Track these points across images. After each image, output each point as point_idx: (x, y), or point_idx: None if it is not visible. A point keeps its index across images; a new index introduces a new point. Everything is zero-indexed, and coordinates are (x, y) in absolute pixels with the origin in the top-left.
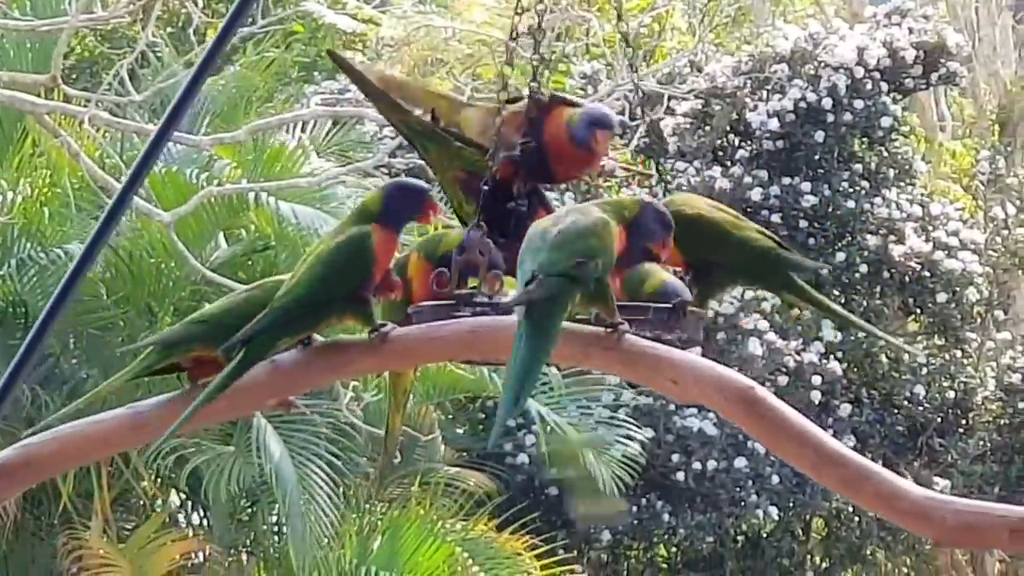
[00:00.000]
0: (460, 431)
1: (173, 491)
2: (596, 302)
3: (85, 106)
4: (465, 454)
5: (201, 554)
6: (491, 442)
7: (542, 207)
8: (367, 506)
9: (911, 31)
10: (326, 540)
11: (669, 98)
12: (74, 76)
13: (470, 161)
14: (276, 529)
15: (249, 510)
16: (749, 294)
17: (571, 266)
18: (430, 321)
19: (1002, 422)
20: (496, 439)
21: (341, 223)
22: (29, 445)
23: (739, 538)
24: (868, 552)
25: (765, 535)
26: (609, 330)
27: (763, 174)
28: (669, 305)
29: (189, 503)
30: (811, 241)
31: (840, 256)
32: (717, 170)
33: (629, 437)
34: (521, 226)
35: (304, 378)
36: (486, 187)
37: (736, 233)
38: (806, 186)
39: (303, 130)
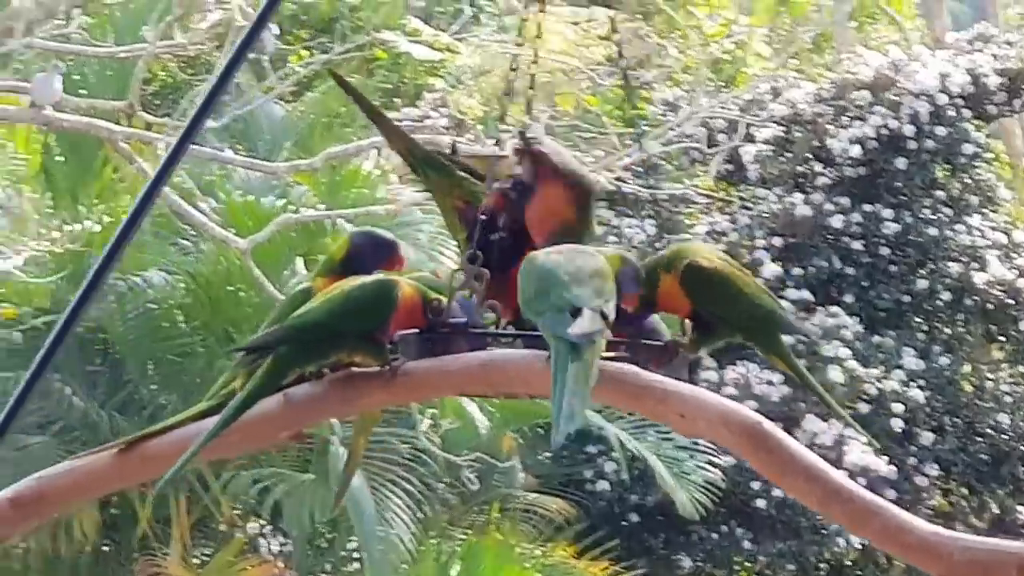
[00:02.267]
0: (540, 458)
1: (252, 517)
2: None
3: (162, 133)
4: (546, 479)
5: None
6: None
7: (528, 245)
8: (446, 532)
9: (995, 57)
10: (404, 566)
11: (748, 125)
12: (157, 102)
13: (470, 191)
14: (355, 556)
15: (329, 536)
16: (831, 321)
17: (603, 305)
18: (415, 353)
19: None
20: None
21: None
22: (43, 478)
23: (821, 566)
24: None
25: (849, 563)
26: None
27: (845, 201)
28: (661, 343)
29: (268, 529)
30: (892, 268)
31: (922, 284)
32: (798, 197)
33: (711, 463)
34: (505, 259)
35: (317, 410)
36: (483, 217)
37: (747, 293)
38: (888, 213)
39: (380, 155)
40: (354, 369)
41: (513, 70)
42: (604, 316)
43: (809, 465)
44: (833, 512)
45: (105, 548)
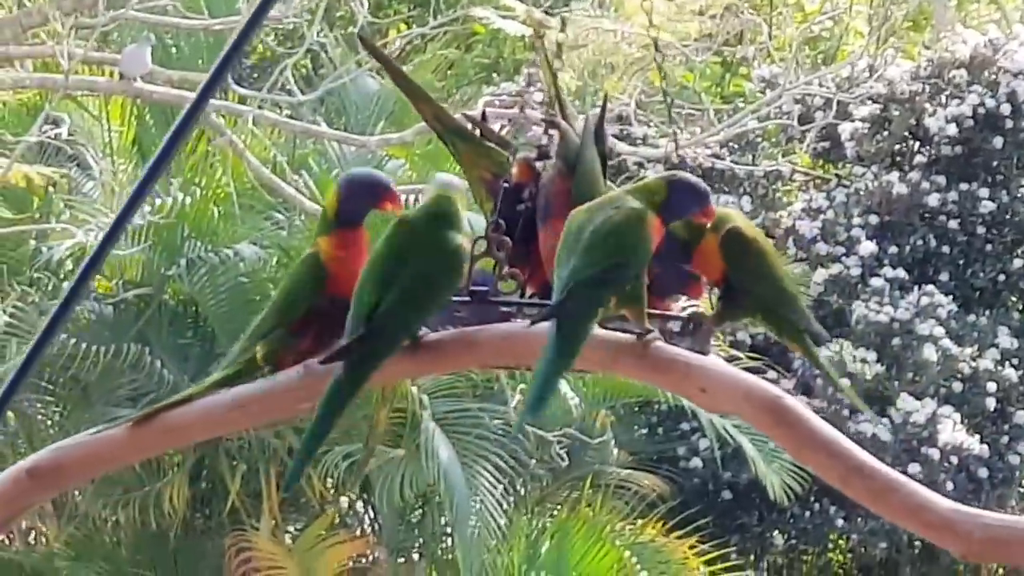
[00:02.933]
0: (635, 434)
1: (343, 492)
2: (628, 305)
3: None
4: (639, 456)
5: (370, 556)
6: (516, 427)
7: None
8: (536, 509)
9: None
10: (494, 543)
11: (838, 103)
12: (255, 76)
13: (497, 162)
14: (446, 532)
15: (419, 512)
16: (925, 300)
17: (604, 269)
18: (439, 321)
19: None
20: (519, 427)
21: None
22: (61, 448)
23: (915, 543)
24: None
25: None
26: (639, 337)
27: (941, 180)
28: (684, 316)
29: (359, 504)
30: (988, 247)
31: (1018, 263)
32: (895, 175)
33: None
34: (529, 229)
35: None
36: (506, 185)
37: (779, 272)
38: (984, 192)
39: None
40: None
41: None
42: (605, 282)
43: (830, 440)
44: (854, 488)
45: (196, 522)
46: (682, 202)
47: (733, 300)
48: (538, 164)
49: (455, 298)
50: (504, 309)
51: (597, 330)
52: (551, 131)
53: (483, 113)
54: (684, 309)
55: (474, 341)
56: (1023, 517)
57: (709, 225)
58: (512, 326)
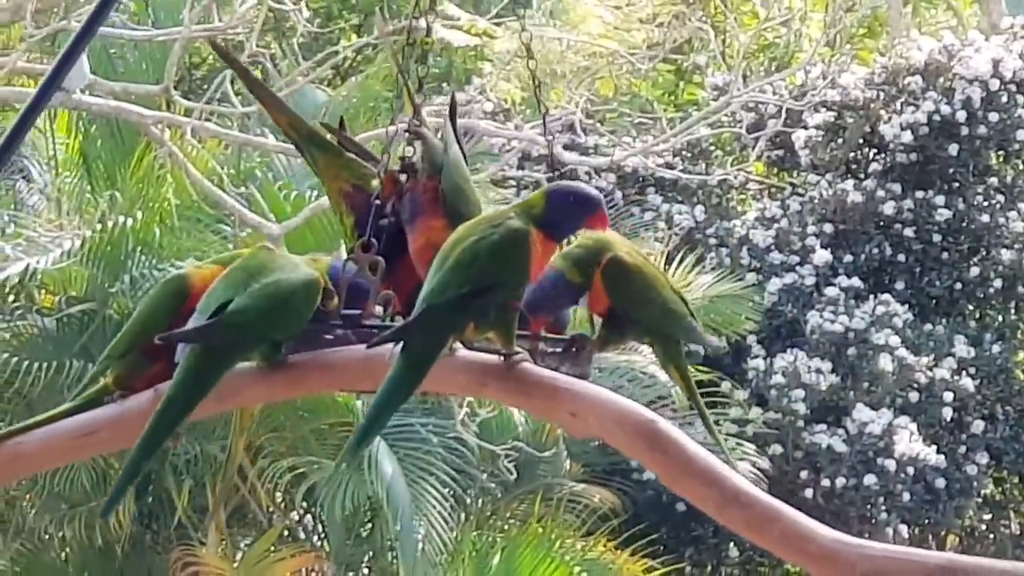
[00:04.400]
0: (587, 446)
1: (290, 506)
2: (494, 329)
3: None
4: (592, 469)
5: (318, 570)
6: (338, 461)
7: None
8: (488, 523)
9: None
10: (442, 558)
11: (793, 111)
12: (205, 87)
13: (358, 173)
14: (394, 546)
15: (368, 526)
16: (881, 309)
17: (462, 295)
18: (307, 342)
19: None
20: (342, 460)
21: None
22: (18, 442)
23: None
24: None
25: None
26: (505, 359)
27: (896, 187)
28: (566, 338)
29: (308, 518)
30: (944, 256)
31: (974, 271)
32: (850, 183)
33: (758, 453)
34: (393, 243)
35: None
36: (377, 202)
37: (664, 296)
38: (940, 200)
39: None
40: None
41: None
42: (463, 308)
43: (706, 468)
44: (732, 517)
45: (143, 537)
46: (565, 213)
47: (618, 325)
48: (402, 177)
49: (328, 323)
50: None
51: (462, 352)
52: (415, 143)
53: (341, 122)
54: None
55: (330, 364)
56: (909, 548)
57: (596, 257)
58: (373, 348)
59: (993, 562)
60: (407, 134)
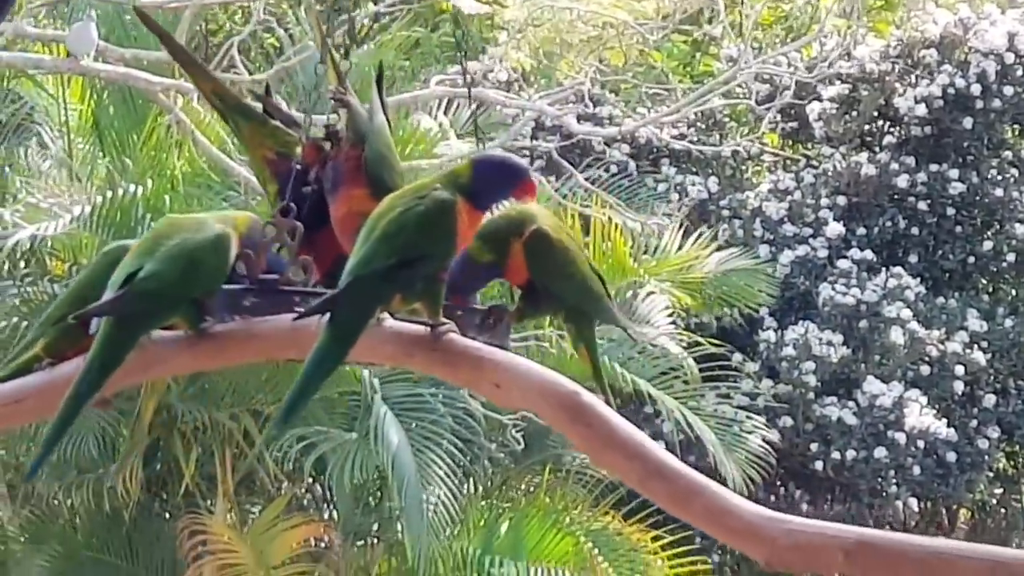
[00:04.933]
0: None
1: (298, 475)
2: (421, 300)
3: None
4: None
5: (325, 540)
6: (267, 432)
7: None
8: (496, 494)
9: None
10: (448, 529)
11: (807, 83)
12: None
13: (282, 141)
14: (400, 516)
15: (376, 496)
16: (893, 282)
17: (390, 266)
18: (224, 305)
19: None
20: (272, 431)
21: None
22: None
23: (884, 528)
24: (1016, 543)
25: (913, 524)
26: (432, 329)
27: (910, 161)
28: (483, 309)
29: (317, 487)
30: (958, 229)
31: (988, 245)
32: (864, 156)
33: (768, 425)
34: (317, 214)
35: (121, 375)
36: (298, 167)
37: (583, 273)
38: (954, 173)
39: (445, 112)
40: (156, 332)
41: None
42: (391, 280)
43: (628, 440)
44: (654, 490)
45: (150, 505)
46: (490, 184)
47: (535, 298)
48: (326, 145)
49: (241, 286)
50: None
51: (389, 321)
52: (340, 110)
53: (267, 88)
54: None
55: (257, 333)
56: (829, 523)
57: (516, 227)
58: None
59: (911, 537)
60: (332, 101)
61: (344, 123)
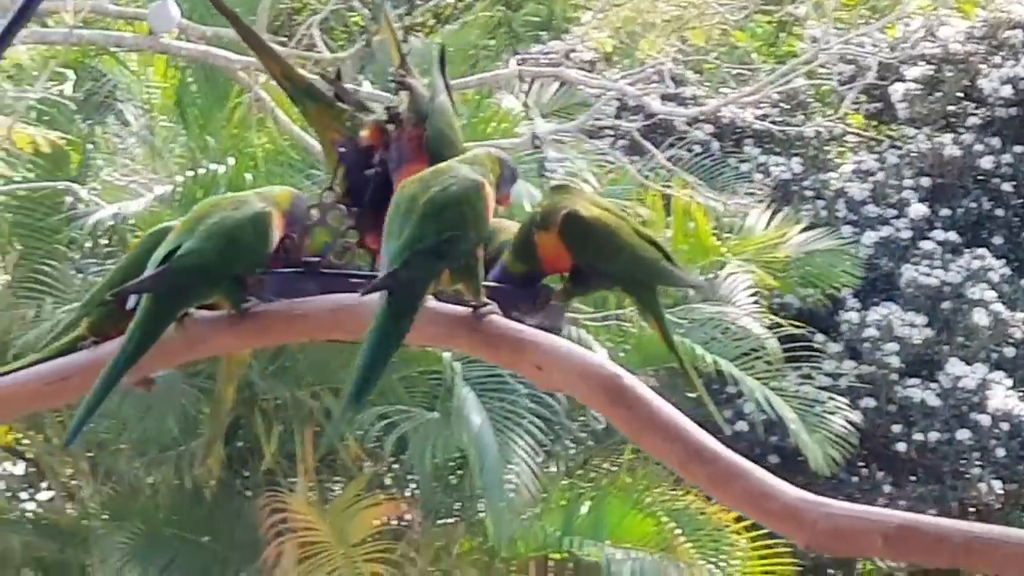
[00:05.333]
0: (679, 398)
1: (379, 454)
2: (463, 279)
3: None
4: None
5: (405, 518)
6: (332, 431)
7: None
8: (579, 473)
9: None
10: (528, 509)
11: (890, 64)
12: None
13: (349, 124)
14: (482, 495)
15: (457, 475)
16: (976, 263)
17: (439, 242)
18: (274, 290)
19: None
20: (337, 430)
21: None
22: None
23: (968, 510)
24: None
25: (997, 507)
26: (473, 310)
27: (995, 142)
28: (529, 289)
29: (397, 466)
30: None
31: None
32: (947, 137)
33: (850, 406)
34: (379, 195)
35: (160, 355)
36: (342, 149)
37: (630, 244)
38: None
39: (527, 92)
40: (200, 312)
41: None
42: (440, 254)
43: (669, 423)
44: (694, 473)
45: (231, 482)
46: (505, 182)
47: (584, 281)
48: (389, 126)
49: (288, 270)
50: (354, 281)
51: (432, 303)
52: (402, 92)
53: (338, 72)
54: None
55: (301, 313)
56: (870, 507)
57: (538, 218)
58: (342, 297)
59: (952, 522)
60: (394, 84)
61: (406, 104)
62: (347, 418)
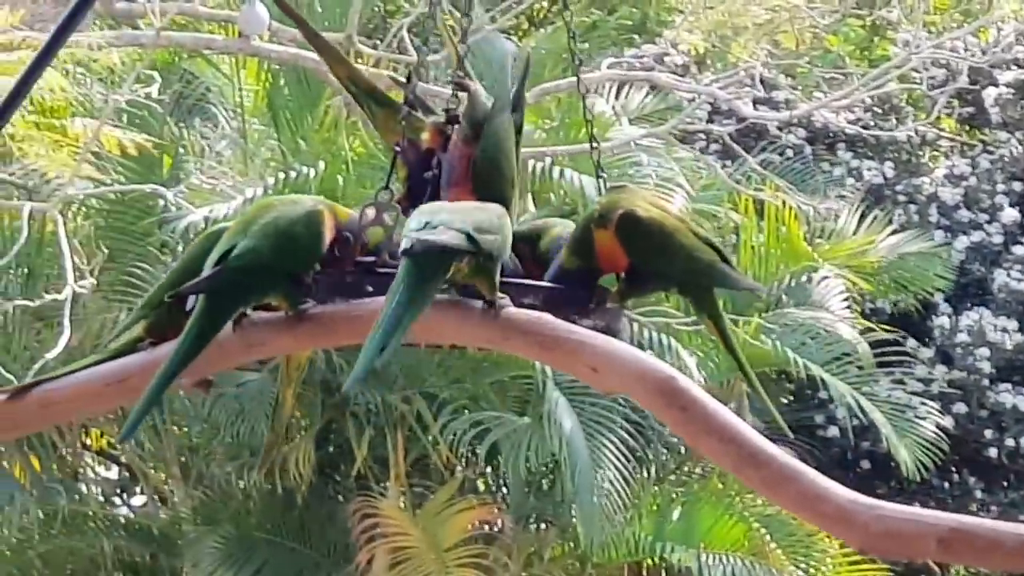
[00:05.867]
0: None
1: (471, 459)
2: (480, 275)
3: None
4: (774, 426)
5: (497, 523)
6: (347, 386)
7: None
8: (670, 479)
9: None
10: (619, 515)
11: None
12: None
13: (414, 128)
14: (573, 500)
15: (548, 480)
16: None
17: (469, 228)
18: (330, 290)
19: None
20: (353, 384)
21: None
22: (48, 388)
23: None
24: None
25: None
26: (489, 305)
27: None
28: (584, 291)
29: (488, 470)
30: None
31: None
32: None
33: (942, 412)
34: (436, 197)
35: (219, 357)
36: (398, 149)
37: (686, 245)
38: None
39: (617, 96)
40: (258, 313)
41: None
42: (469, 236)
43: (725, 425)
44: (748, 476)
45: (322, 487)
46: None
47: (639, 280)
48: (448, 128)
49: (341, 270)
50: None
51: (480, 307)
52: (460, 94)
53: (409, 76)
54: None
55: (358, 314)
56: (922, 510)
57: (596, 215)
58: None
59: (1007, 525)
60: (452, 86)
61: (464, 111)
62: (365, 369)
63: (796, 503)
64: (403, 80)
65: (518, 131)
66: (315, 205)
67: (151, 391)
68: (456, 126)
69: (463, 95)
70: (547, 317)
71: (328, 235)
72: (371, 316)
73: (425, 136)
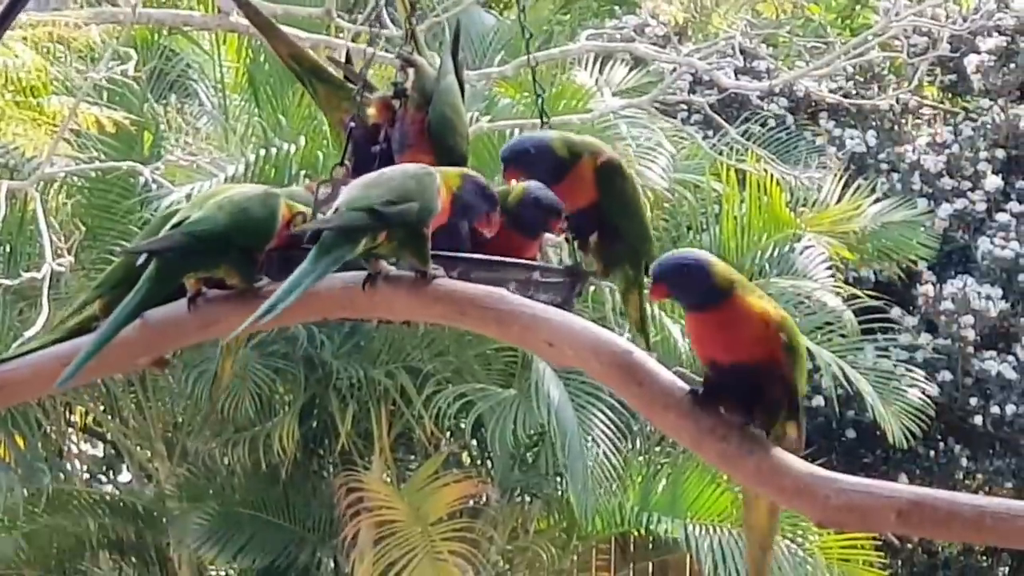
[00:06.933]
0: None
1: (456, 432)
2: (407, 249)
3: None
4: None
5: (482, 497)
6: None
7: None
8: (655, 449)
9: None
10: (607, 485)
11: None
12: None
13: (356, 103)
14: (560, 472)
15: (533, 452)
16: None
17: (378, 204)
18: (283, 267)
19: None
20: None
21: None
22: (3, 370)
23: None
24: None
25: None
26: (421, 275)
27: None
28: (561, 268)
29: (473, 443)
30: None
31: None
32: (1023, 108)
33: (927, 379)
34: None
35: (176, 334)
36: (352, 125)
37: (644, 215)
38: None
39: (601, 71)
40: (211, 291)
41: None
42: (378, 214)
43: (681, 400)
44: (707, 450)
45: (307, 462)
46: (469, 201)
47: (608, 242)
48: (395, 103)
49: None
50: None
51: (440, 281)
52: (408, 69)
53: (347, 54)
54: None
55: (311, 292)
56: (881, 482)
57: (591, 149)
58: (352, 275)
59: (964, 496)
60: (399, 60)
61: (412, 83)
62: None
63: (755, 477)
64: (343, 61)
65: (462, 87)
66: (272, 189)
67: (94, 343)
68: (404, 98)
69: (411, 70)
70: (502, 291)
71: (282, 217)
72: (324, 294)
73: (371, 111)
